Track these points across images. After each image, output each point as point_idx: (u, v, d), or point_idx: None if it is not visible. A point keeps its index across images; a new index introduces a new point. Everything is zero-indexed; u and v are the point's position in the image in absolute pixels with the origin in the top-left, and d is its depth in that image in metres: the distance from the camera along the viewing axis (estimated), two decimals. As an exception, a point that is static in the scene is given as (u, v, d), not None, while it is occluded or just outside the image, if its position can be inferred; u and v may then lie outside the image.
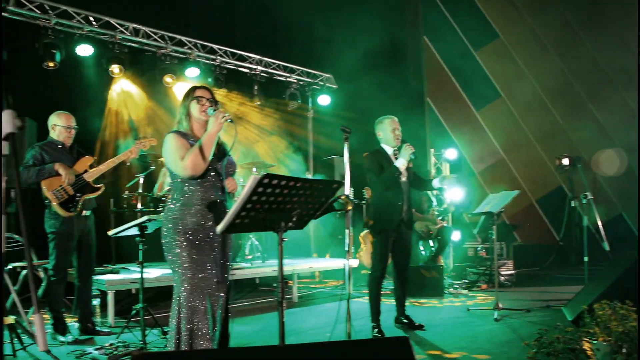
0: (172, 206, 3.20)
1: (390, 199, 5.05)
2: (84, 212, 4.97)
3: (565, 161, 10.63)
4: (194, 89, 3.36)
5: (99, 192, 5.06)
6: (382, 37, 9.73)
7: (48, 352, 4.04)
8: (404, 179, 5.11)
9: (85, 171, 4.96)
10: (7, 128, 1.58)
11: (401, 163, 5.01)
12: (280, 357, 1.86)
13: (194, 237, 3.11)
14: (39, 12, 7.08)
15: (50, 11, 7.16)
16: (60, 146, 4.96)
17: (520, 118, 11.97)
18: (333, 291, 7.92)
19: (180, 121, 3.31)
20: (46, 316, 4.97)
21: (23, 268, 5.36)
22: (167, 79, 8.31)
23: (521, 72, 11.93)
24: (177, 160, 3.11)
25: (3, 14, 6.70)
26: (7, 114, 1.61)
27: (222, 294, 3.19)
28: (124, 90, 8.37)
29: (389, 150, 5.18)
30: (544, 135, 11.81)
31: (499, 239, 6.40)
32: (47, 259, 4.90)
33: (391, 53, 10.52)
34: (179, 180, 3.20)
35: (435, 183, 5.27)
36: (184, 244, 3.08)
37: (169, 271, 6.05)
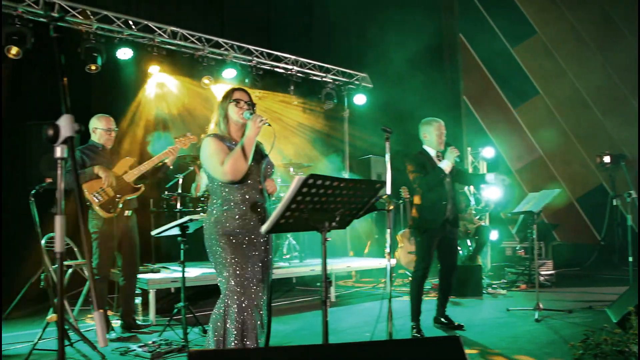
0: (212, 210, 3.19)
1: (434, 198, 5.07)
2: (126, 212, 5.08)
3: (607, 159, 10.41)
4: (232, 91, 3.33)
5: (139, 193, 5.16)
6: (418, 36, 9.67)
7: (94, 348, 4.15)
8: (447, 178, 5.13)
9: (125, 172, 5.06)
10: (66, 132, 1.63)
11: (446, 165, 5.03)
12: (338, 356, 1.87)
13: (236, 238, 3.11)
14: (81, 17, 7.24)
15: (91, 16, 7.32)
16: (100, 148, 5.07)
17: (559, 115, 11.73)
18: (370, 291, 7.91)
19: (218, 123, 3.30)
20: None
21: (68, 267, 5.52)
22: (205, 80, 8.39)
23: (560, 68, 11.69)
24: (217, 165, 3.09)
25: (59, 23, 6.88)
26: (66, 118, 1.66)
27: (264, 293, 3.21)
28: (162, 89, 8.45)
29: (432, 152, 5.19)
30: (584, 133, 11.54)
31: (537, 238, 6.31)
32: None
33: (427, 51, 10.42)
34: (217, 184, 3.18)
35: (490, 178, 5.25)
36: (226, 245, 3.09)
37: (209, 270, 6.20)
